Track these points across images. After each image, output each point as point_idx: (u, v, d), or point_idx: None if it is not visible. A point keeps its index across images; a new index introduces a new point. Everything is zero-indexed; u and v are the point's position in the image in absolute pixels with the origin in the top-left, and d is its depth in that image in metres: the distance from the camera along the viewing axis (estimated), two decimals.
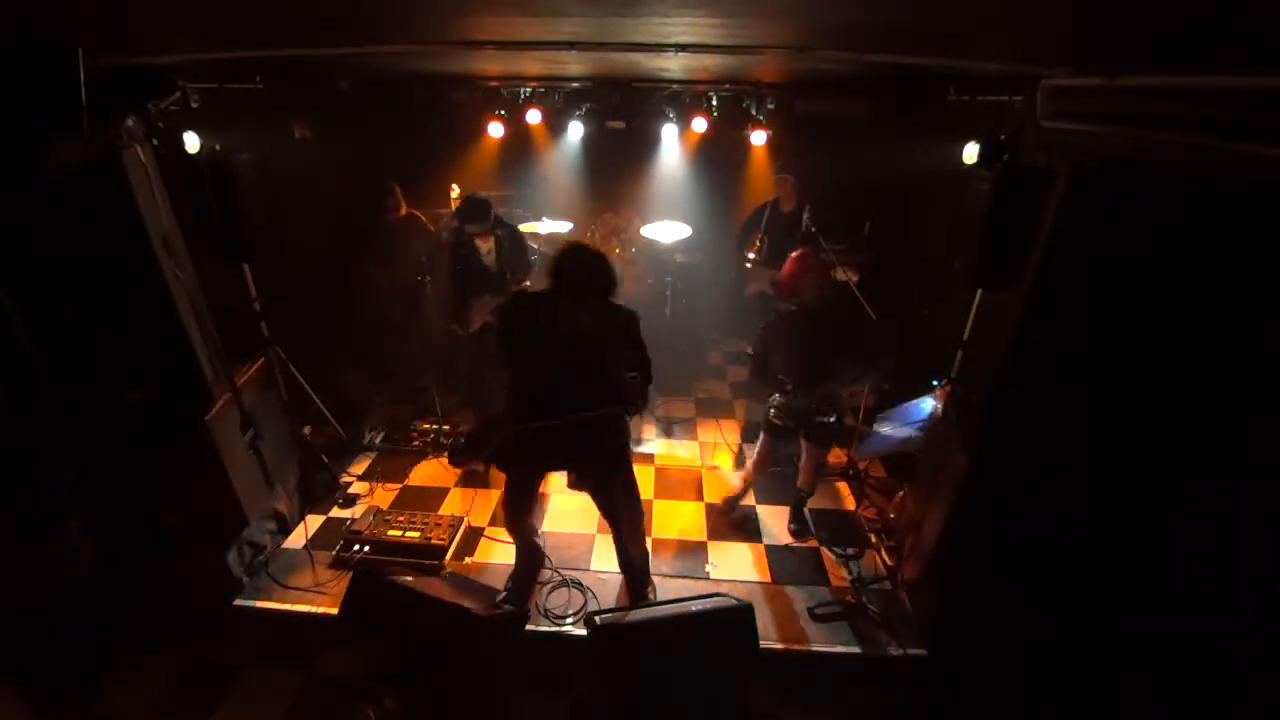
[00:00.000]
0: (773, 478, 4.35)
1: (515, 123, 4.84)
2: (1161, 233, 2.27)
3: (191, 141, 2.86)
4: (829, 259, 4.17)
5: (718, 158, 5.93)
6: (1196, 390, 2.33)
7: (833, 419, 3.47)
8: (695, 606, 2.73)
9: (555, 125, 4.93)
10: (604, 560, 3.61)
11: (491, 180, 6.19)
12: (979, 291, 3.09)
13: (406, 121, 5.05)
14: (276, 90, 3.39)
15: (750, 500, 4.17)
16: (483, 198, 4.27)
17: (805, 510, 3.98)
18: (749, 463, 4.11)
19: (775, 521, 3.97)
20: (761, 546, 3.78)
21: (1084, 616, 2.73)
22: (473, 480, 4.31)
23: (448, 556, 3.57)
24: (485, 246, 4.31)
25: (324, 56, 3.10)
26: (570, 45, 2.61)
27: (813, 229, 4.48)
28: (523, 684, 2.95)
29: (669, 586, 3.43)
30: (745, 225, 5.24)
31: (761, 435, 3.79)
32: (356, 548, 3.52)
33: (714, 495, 4.23)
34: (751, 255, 5.01)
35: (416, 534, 3.60)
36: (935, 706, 2.93)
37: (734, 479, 4.34)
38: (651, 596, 3.33)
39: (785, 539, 3.84)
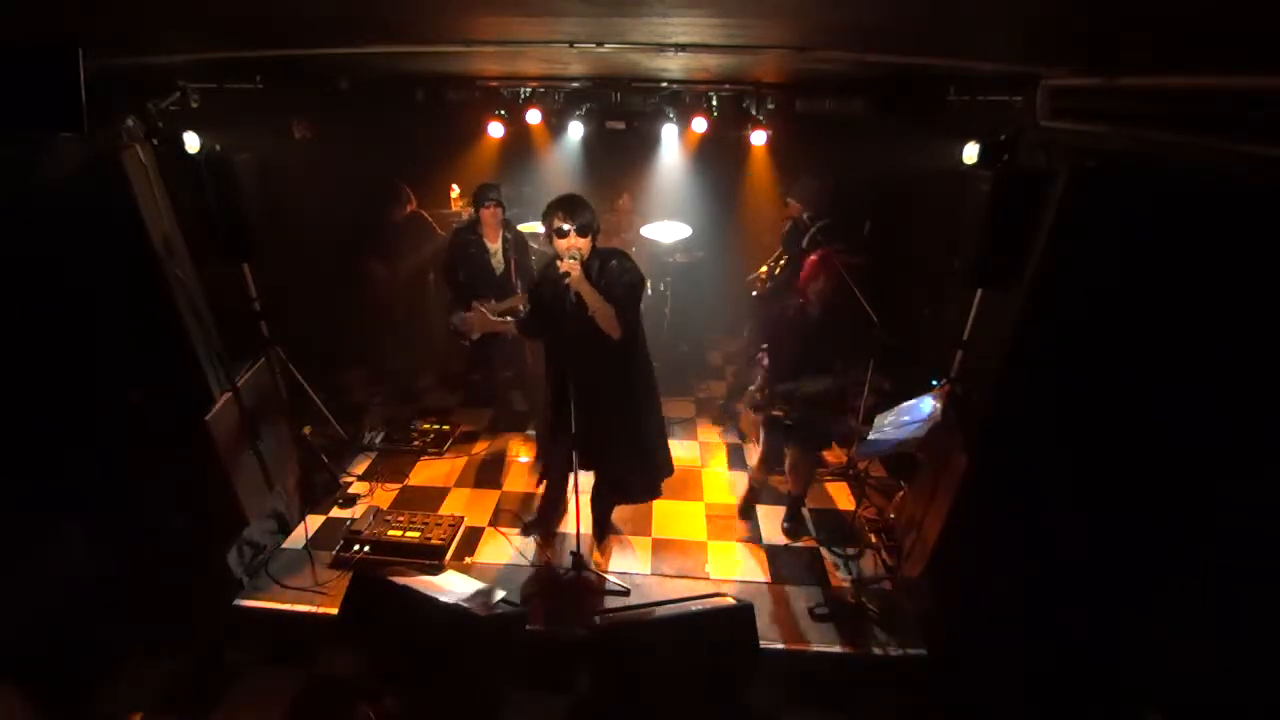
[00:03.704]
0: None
1: (515, 123, 4.83)
2: (1161, 232, 2.28)
3: (191, 141, 2.85)
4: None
5: (718, 158, 5.92)
6: (1198, 390, 2.33)
7: (789, 420, 3.49)
8: (695, 606, 2.73)
9: (555, 125, 4.91)
10: (606, 560, 3.61)
11: (491, 180, 6.19)
12: (979, 291, 3.09)
13: (407, 121, 5.04)
14: (276, 90, 3.38)
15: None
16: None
17: (803, 510, 3.98)
18: (753, 461, 4.11)
19: (775, 522, 3.97)
20: (761, 546, 3.78)
21: (1084, 616, 2.73)
22: (472, 480, 4.32)
23: (448, 556, 3.57)
24: (493, 246, 4.25)
25: (324, 56, 3.10)
26: (570, 45, 2.61)
27: (816, 232, 4.48)
28: (523, 684, 2.95)
29: (669, 586, 3.43)
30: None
31: (761, 432, 3.80)
32: (356, 548, 3.52)
33: (714, 495, 4.24)
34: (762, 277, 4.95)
35: (416, 534, 3.60)
36: (935, 706, 2.93)
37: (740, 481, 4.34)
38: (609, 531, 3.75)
39: (785, 539, 3.84)
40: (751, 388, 3.74)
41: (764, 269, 4.93)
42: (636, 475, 3.35)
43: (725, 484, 4.39)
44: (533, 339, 3.21)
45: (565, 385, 2.82)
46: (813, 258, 3.47)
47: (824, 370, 3.41)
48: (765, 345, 3.66)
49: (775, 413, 3.56)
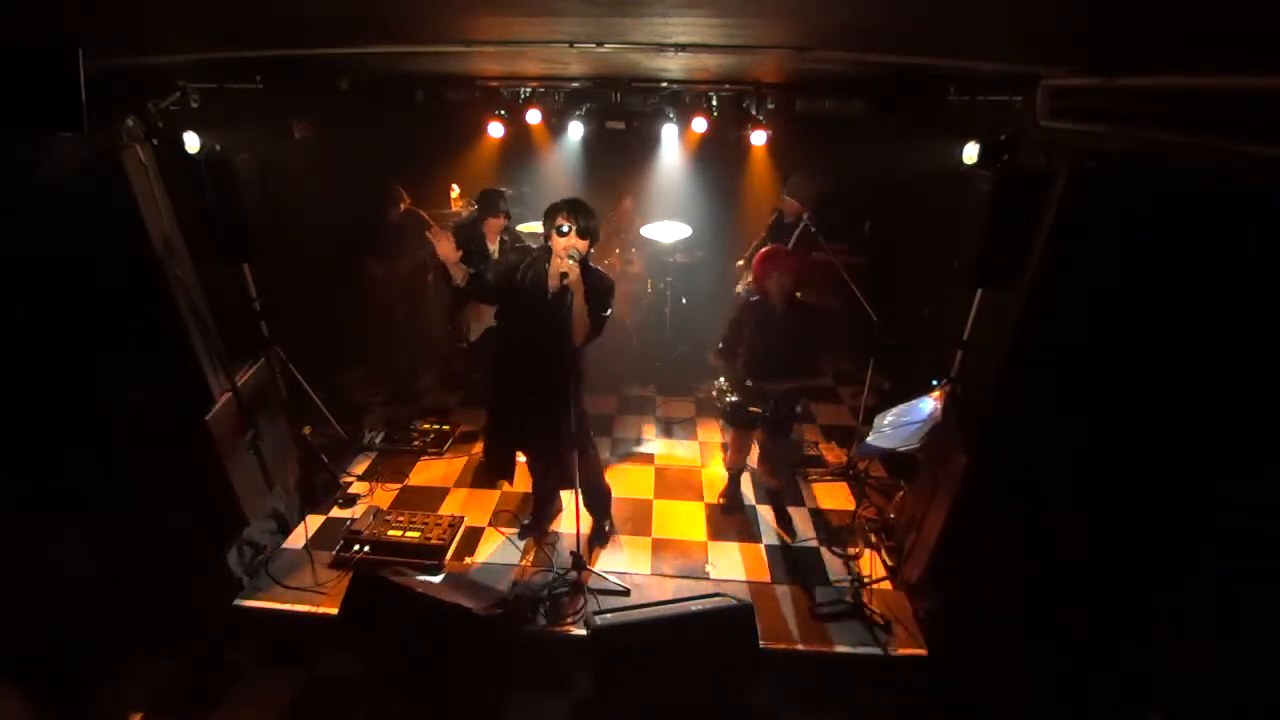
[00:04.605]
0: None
1: (515, 123, 4.83)
2: (1161, 232, 2.28)
3: (191, 141, 2.86)
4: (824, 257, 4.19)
5: (718, 158, 5.92)
6: (1198, 390, 2.33)
7: (761, 411, 3.54)
8: (695, 606, 2.73)
9: (555, 125, 4.91)
10: (604, 560, 3.61)
11: (491, 180, 6.18)
12: (979, 291, 3.09)
13: (406, 121, 5.04)
14: (276, 90, 3.38)
15: (749, 498, 4.18)
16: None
17: (788, 508, 4.00)
18: (727, 456, 4.15)
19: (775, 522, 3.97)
20: (761, 546, 3.78)
21: (1084, 616, 2.73)
22: (470, 480, 4.32)
23: (448, 556, 3.57)
24: (490, 246, 4.29)
25: (324, 56, 3.10)
26: (570, 45, 2.61)
27: (813, 229, 4.48)
28: (523, 684, 2.95)
29: (669, 586, 3.43)
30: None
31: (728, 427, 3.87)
32: (356, 548, 3.52)
33: (714, 495, 4.23)
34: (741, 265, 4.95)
35: (416, 534, 3.60)
36: (935, 706, 2.93)
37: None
38: (608, 530, 3.77)
39: (785, 538, 3.84)
40: (719, 383, 3.72)
41: (742, 262, 4.93)
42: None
43: (725, 484, 4.38)
44: (471, 297, 3.28)
45: (566, 384, 2.83)
46: (762, 251, 3.50)
47: (785, 363, 3.46)
48: (720, 344, 3.68)
49: (730, 398, 3.61)
